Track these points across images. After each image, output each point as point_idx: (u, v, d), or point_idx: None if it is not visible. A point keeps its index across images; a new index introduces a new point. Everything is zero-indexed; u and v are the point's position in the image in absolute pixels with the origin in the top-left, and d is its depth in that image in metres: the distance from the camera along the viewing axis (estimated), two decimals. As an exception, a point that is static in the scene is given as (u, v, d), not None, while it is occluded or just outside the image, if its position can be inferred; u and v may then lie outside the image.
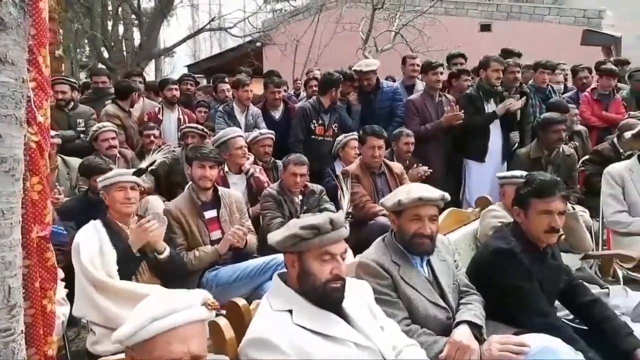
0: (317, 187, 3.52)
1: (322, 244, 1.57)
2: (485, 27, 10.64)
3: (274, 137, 4.20)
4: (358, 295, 1.73)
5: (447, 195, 2.01)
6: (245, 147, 3.74)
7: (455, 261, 2.14)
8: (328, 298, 1.59)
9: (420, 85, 4.96)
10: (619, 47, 11.38)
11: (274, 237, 1.64)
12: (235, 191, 3.32)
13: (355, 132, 4.21)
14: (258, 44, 13.18)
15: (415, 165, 4.11)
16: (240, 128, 4.59)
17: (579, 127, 4.93)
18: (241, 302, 1.74)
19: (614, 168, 3.18)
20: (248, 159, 3.78)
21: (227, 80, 5.46)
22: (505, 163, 4.39)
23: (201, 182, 2.91)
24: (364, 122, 4.42)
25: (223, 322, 1.58)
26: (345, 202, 1.82)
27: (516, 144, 4.59)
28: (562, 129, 3.87)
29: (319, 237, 1.56)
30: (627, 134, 3.38)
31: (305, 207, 3.37)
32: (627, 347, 1.98)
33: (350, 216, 3.08)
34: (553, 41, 9.31)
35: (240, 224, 3.01)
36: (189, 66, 15.76)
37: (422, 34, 9.19)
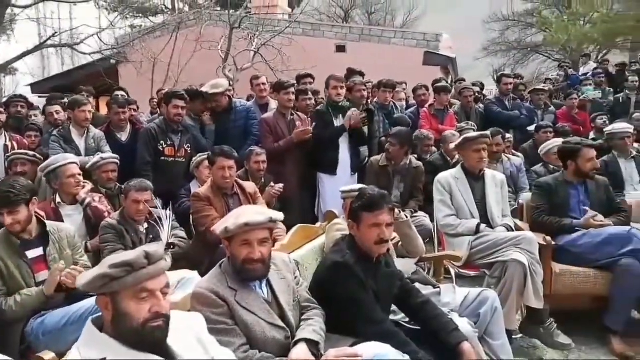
0: (163, 213, 3.31)
1: (137, 282, 1.44)
2: (341, 48, 11.28)
3: (118, 162, 3.90)
4: (186, 328, 1.63)
5: (278, 216, 1.99)
6: (79, 175, 3.38)
7: (295, 277, 2.15)
8: (148, 339, 1.46)
9: (274, 104, 5.03)
10: (456, 66, 12.90)
11: (81, 279, 1.47)
12: (67, 225, 2.97)
13: (209, 152, 4.10)
14: (113, 61, 12.36)
15: (270, 183, 4.13)
16: (80, 153, 4.21)
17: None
18: (48, 356, 1.53)
19: (442, 176, 3.50)
20: (84, 187, 3.43)
21: (59, 101, 4.96)
22: (356, 175, 4.62)
23: (9, 228, 2.53)
24: (219, 141, 4.34)
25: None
26: (165, 233, 1.70)
27: (366, 158, 4.86)
28: (391, 142, 4.21)
29: (133, 274, 1.43)
30: (451, 145, 3.78)
31: (151, 236, 3.14)
32: (453, 342, 2.15)
33: (172, 247, 2.96)
34: (399, 61, 10.21)
35: (73, 261, 2.70)
36: (32, 85, 14.19)
37: (282, 54, 9.41)
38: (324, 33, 11.77)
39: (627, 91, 7.43)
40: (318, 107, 4.71)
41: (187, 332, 1.62)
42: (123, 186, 3.76)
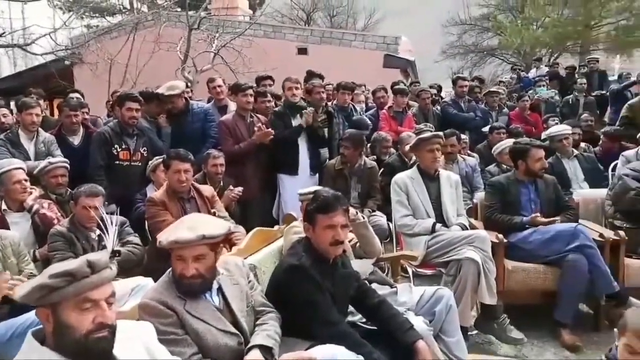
0: (116, 219, 3.21)
1: (79, 292, 1.38)
2: (302, 50, 11.29)
3: (68, 166, 3.76)
4: (134, 338, 1.58)
5: (214, 231, 1.89)
6: (25, 181, 3.24)
7: (250, 282, 2.13)
8: (92, 350, 1.41)
9: (233, 106, 4.98)
10: (415, 69, 13.13)
11: (20, 290, 1.41)
12: (12, 232, 2.84)
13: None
14: (67, 62, 11.92)
15: (229, 186, 4.08)
16: (29, 157, 4.04)
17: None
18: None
19: (399, 177, 3.56)
20: (31, 193, 3.29)
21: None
22: (316, 176, 4.63)
23: None
24: (176, 144, 4.25)
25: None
26: (110, 240, 1.65)
27: (326, 160, 4.88)
28: (345, 145, 4.26)
29: (75, 284, 1.37)
30: (406, 147, 3.84)
31: (103, 243, 3.03)
32: (409, 341, 2.18)
33: (117, 254, 2.87)
34: (360, 64, 10.30)
35: (18, 270, 2.59)
36: (-25, 87, 13.49)
37: (242, 56, 9.33)
38: (285, 35, 11.75)
39: (575, 93, 7.77)
40: (276, 109, 4.70)
41: (135, 342, 1.57)
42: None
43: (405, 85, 7.05)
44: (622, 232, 3.31)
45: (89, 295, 1.41)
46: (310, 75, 5.46)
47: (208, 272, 1.90)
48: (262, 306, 2.09)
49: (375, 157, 5.10)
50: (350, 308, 2.42)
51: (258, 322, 2.03)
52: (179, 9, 12.81)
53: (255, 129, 4.37)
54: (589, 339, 3.14)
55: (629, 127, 5.59)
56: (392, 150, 5.19)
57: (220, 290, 1.97)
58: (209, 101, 5.62)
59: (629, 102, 6.08)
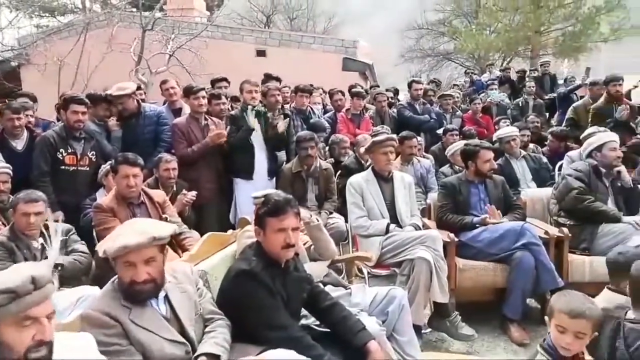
0: (60, 227, 3.07)
1: (21, 309, 1.32)
2: (261, 53, 11.22)
3: (10, 172, 3.59)
4: (73, 350, 1.51)
5: (163, 232, 1.85)
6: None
7: (198, 289, 2.08)
8: None
9: (187, 109, 4.88)
10: (373, 72, 13.32)
11: None
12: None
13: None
14: (14, 63, 11.39)
15: (183, 190, 4.00)
16: (-34, 164, 3.81)
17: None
18: None
19: (354, 179, 3.58)
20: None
21: None
22: (274, 180, 4.60)
23: None
24: (127, 148, 4.12)
25: None
26: (53, 251, 1.57)
27: (284, 162, 4.86)
28: (310, 146, 4.24)
29: (17, 301, 1.31)
30: (361, 149, 3.88)
31: (46, 252, 2.91)
32: (360, 342, 2.18)
33: (60, 267, 2.78)
34: (319, 67, 10.35)
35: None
36: None
37: (199, 57, 9.18)
38: (244, 37, 11.65)
39: (525, 96, 8.08)
40: (232, 112, 4.64)
41: (74, 354, 1.51)
42: (16, 199, 3.48)
43: (362, 88, 7.13)
44: (565, 230, 3.46)
45: (31, 312, 1.35)
46: (268, 77, 5.42)
47: (159, 275, 1.86)
48: (211, 314, 2.05)
49: (332, 159, 5.13)
50: (305, 311, 2.42)
51: (206, 330, 1.98)
52: (133, 9, 12.49)
53: (212, 127, 4.30)
54: (536, 333, 3.24)
55: (573, 129, 5.87)
56: (351, 152, 5.23)
57: (167, 298, 1.92)
58: (164, 104, 5.50)
59: (573, 105, 6.37)
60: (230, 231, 3.13)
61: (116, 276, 1.89)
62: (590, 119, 5.47)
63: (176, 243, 3.38)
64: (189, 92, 4.41)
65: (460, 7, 22.76)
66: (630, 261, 2.16)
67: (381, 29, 25.26)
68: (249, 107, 4.39)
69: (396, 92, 8.09)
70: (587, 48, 18.97)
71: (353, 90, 6.27)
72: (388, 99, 6.92)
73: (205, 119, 4.48)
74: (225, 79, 5.44)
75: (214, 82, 5.39)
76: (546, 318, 1.93)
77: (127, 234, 1.81)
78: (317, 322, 2.42)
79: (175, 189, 4.02)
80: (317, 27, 24.82)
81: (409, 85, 6.68)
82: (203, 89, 4.50)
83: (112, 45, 9.24)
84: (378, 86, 9.19)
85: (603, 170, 3.69)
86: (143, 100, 5.09)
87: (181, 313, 1.92)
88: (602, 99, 5.57)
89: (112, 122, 4.45)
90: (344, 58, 11.09)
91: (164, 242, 1.86)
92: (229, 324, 2.06)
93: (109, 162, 3.92)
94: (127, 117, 4.41)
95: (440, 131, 6.04)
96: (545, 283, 3.23)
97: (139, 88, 5.28)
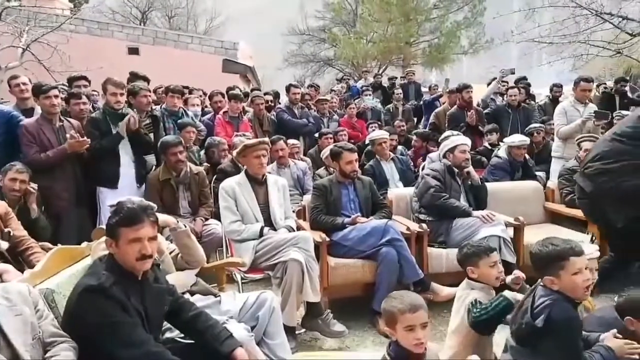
0: None
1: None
2: (134, 50, 10.57)
3: None
4: None
5: None
6: None
7: (38, 311, 1.86)
8: None
9: (39, 109, 4.38)
10: (256, 75, 13.29)
11: None
12: None
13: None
14: None
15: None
16: None
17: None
18: None
19: (227, 183, 3.51)
20: None
21: None
22: (143, 187, 4.32)
23: None
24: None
25: None
26: None
27: (153, 167, 4.59)
28: (179, 150, 4.08)
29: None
30: (234, 152, 3.81)
31: None
32: (226, 350, 2.11)
33: None
34: (198, 68, 10.04)
35: None
36: None
37: (60, 53, 8.33)
38: (114, 33, 10.87)
39: (394, 102, 8.65)
40: (93, 114, 4.26)
41: None
42: None
43: (241, 90, 7.04)
44: (425, 225, 3.75)
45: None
46: (134, 76, 5.09)
47: None
48: (54, 336, 1.84)
49: (208, 164, 4.99)
50: (169, 324, 2.29)
51: (47, 355, 1.78)
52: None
53: (68, 136, 3.90)
54: (402, 323, 3.45)
55: (435, 132, 6.44)
56: (229, 155, 5.12)
57: (-5, 324, 1.68)
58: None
59: (435, 110, 7.01)
60: (84, 244, 2.85)
61: None
62: (446, 123, 6.07)
63: (22, 259, 3.00)
64: (38, 91, 3.95)
65: (340, 15, 23.72)
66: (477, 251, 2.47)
67: (266, 32, 25.37)
68: (114, 112, 4.06)
69: (276, 95, 8.12)
70: (451, 59, 20.99)
71: (231, 92, 6.15)
72: (268, 102, 6.93)
73: (61, 120, 4.06)
74: (84, 77, 4.99)
75: (71, 81, 4.92)
76: (386, 329, 1.90)
77: None
78: (182, 335, 2.32)
79: (23, 200, 3.56)
80: (199, 28, 24.12)
81: (287, 90, 6.77)
82: (55, 87, 4.06)
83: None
84: (259, 89, 9.16)
85: (455, 170, 4.07)
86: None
87: (15, 339, 1.70)
88: (455, 106, 6.21)
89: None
90: (224, 60, 10.91)
91: None
92: (74, 346, 1.86)
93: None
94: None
95: (316, 135, 6.20)
96: (408, 275, 3.45)
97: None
